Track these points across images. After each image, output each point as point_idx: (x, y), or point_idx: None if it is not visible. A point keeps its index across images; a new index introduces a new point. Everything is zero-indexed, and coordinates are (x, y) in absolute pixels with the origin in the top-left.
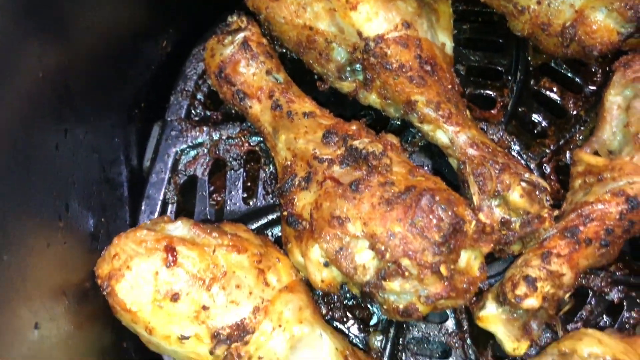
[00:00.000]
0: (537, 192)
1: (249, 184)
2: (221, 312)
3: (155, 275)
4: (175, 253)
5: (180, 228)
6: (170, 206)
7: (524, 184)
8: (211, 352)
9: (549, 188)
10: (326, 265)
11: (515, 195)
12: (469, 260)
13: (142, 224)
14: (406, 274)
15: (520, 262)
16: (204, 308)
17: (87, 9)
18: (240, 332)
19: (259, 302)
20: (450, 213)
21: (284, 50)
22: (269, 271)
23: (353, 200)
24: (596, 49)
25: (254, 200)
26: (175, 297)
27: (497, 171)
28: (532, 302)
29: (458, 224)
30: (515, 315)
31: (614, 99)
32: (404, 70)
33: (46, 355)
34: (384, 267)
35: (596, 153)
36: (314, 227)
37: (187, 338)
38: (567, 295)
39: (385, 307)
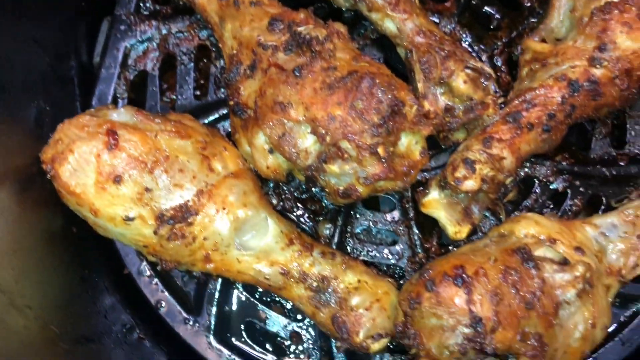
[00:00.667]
0: (482, 79)
1: (200, 80)
2: (164, 194)
3: (97, 158)
4: (116, 136)
5: (123, 114)
6: (121, 102)
7: (468, 71)
8: (155, 232)
9: (493, 74)
10: (271, 151)
11: (459, 82)
12: (410, 144)
13: (87, 111)
14: (345, 156)
15: (462, 147)
16: (147, 190)
17: None
18: (184, 213)
19: (202, 185)
20: (389, 96)
21: None
22: (214, 158)
23: (296, 85)
24: None
25: (206, 96)
26: (117, 179)
27: (442, 58)
28: (470, 184)
29: (397, 106)
30: (456, 199)
31: None
32: None
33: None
34: (325, 150)
35: (545, 41)
36: (258, 114)
37: (132, 219)
38: (509, 180)
39: (327, 190)
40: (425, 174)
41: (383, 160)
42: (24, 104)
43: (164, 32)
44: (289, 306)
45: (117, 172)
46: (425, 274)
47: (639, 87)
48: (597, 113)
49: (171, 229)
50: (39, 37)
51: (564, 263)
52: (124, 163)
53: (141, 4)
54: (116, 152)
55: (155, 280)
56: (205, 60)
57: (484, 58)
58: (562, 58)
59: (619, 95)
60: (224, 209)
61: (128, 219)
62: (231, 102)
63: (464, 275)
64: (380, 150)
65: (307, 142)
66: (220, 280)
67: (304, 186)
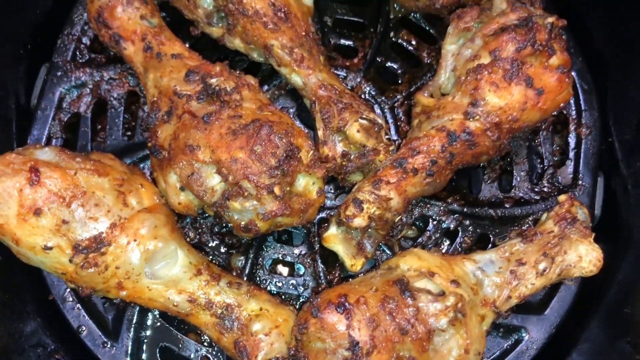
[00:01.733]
0: (375, 129)
1: (130, 122)
2: (80, 226)
3: (20, 192)
4: (38, 173)
5: (47, 153)
6: (54, 141)
7: (362, 121)
8: (70, 260)
9: (384, 125)
10: (182, 189)
11: (353, 130)
12: (307, 185)
13: (15, 150)
14: (246, 194)
15: (355, 188)
16: (64, 222)
17: None
18: (98, 244)
19: (116, 219)
20: (285, 141)
21: None
22: (130, 194)
23: (204, 130)
24: (439, 2)
25: (134, 136)
26: (38, 212)
27: (340, 110)
28: (358, 221)
29: (292, 151)
30: (351, 234)
31: (449, 47)
32: (258, 16)
33: None
34: (229, 189)
35: (432, 95)
36: (171, 155)
37: (50, 249)
38: (398, 218)
39: (231, 224)
40: (330, 212)
41: (279, 198)
42: None
43: (97, 78)
44: (202, 336)
45: (38, 205)
46: (313, 301)
47: (508, 138)
48: (477, 160)
49: (85, 257)
50: None
51: (439, 294)
52: (44, 197)
53: (77, 52)
54: (37, 188)
55: (78, 305)
56: (135, 105)
57: (386, 108)
58: (443, 111)
59: (492, 145)
60: (135, 240)
61: (47, 248)
62: (149, 144)
63: (346, 304)
64: (276, 189)
65: (213, 181)
66: (138, 308)
67: (218, 221)
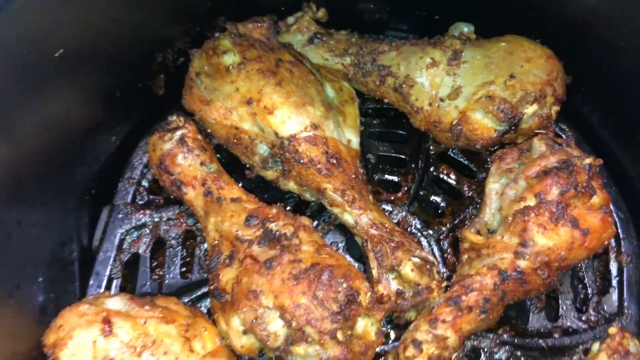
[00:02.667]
0: (427, 266)
1: (187, 259)
2: None
3: (93, 344)
4: (111, 324)
5: (117, 302)
6: (115, 281)
7: (415, 259)
8: None
9: (436, 262)
10: (245, 333)
11: (407, 269)
12: (366, 326)
13: (85, 299)
14: (309, 339)
15: (412, 327)
16: None
17: (36, 108)
18: None
19: None
20: (345, 286)
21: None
22: (195, 339)
23: (267, 276)
24: (479, 143)
25: (191, 274)
26: None
27: (392, 248)
28: None
29: (352, 295)
30: None
31: (492, 186)
32: (313, 163)
33: None
34: (292, 334)
35: (479, 232)
36: (234, 299)
37: None
38: (454, 356)
39: None
40: (384, 347)
41: (342, 343)
42: (34, 295)
43: (156, 219)
44: None
45: (111, 356)
46: None
47: (558, 275)
48: (527, 295)
49: None
50: (48, 228)
51: None
52: (116, 348)
53: (137, 195)
54: (110, 338)
55: None
56: (191, 241)
57: (432, 242)
58: (493, 250)
59: (542, 282)
60: None
61: None
62: (211, 287)
63: None
64: (339, 334)
65: (276, 326)
66: None
67: None
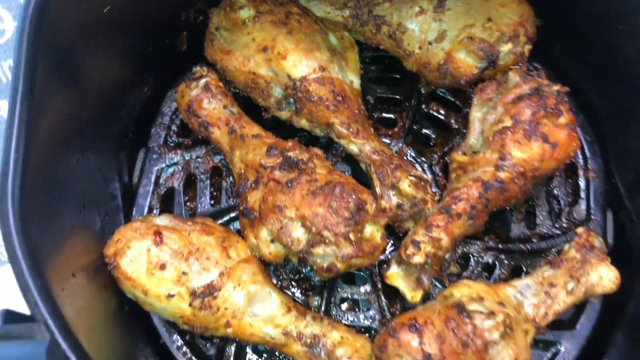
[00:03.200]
0: (422, 183)
1: (214, 192)
2: (196, 276)
3: (147, 252)
4: (161, 236)
5: (164, 219)
6: (155, 210)
7: (411, 177)
8: (190, 304)
9: (430, 179)
10: (272, 241)
11: (405, 185)
12: (373, 231)
13: (136, 218)
14: (327, 241)
15: (411, 232)
16: (184, 274)
17: (95, 68)
18: (211, 290)
19: (223, 269)
20: (355, 197)
21: (237, 90)
22: (231, 249)
23: (289, 193)
24: (463, 79)
25: (219, 204)
26: (162, 267)
27: (392, 170)
28: (417, 259)
29: (361, 204)
30: (410, 271)
31: (475, 114)
32: (322, 101)
33: (80, 305)
34: (312, 238)
35: (465, 154)
36: (261, 215)
37: (173, 296)
38: (448, 255)
39: (315, 267)
40: (388, 255)
41: (354, 243)
42: (94, 216)
43: (187, 157)
44: None
45: (162, 261)
46: (389, 325)
47: (532, 183)
48: (507, 203)
49: (202, 302)
50: (99, 165)
51: (490, 313)
52: (167, 255)
53: (168, 138)
54: (161, 247)
55: (184, 348)
56: (217, 177)
57: (425, 167)
58: (477, 166)
59: (519, 189)
60: (239, 285)
61: (170, 296)
62: (241, 208)
63: (416, 324)
64: (351, 236)
65: (299, 233)
66: (234, 345)
67: (297, 269)
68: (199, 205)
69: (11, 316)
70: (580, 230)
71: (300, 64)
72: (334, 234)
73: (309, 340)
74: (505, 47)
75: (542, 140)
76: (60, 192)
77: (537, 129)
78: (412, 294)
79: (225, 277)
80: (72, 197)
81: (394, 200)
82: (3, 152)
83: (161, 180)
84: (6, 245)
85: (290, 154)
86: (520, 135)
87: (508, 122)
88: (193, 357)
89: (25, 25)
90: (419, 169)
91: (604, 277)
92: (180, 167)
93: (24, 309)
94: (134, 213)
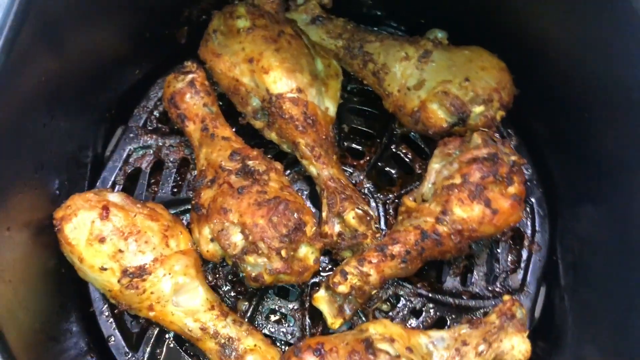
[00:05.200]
0: (367, 218)
1: (179, 181)
2: (131, 256)
3: (91, 223)
4: (108, 211)
5: (116, 197)
6: (117, 187)
7: (358, 211)
8: (118, 281)
9: (375, 216)
10: (212, 240)
11: (350, 217)
12: (307, 253)
13: (92, 190)
14: (260, 252)
15: (344, 262)
16: (120, 251)
17: (87, 41)
18: (141, 272)
19: (158, 255)
20: (296, 217)
21: (222, 91)
22: (172, 238)
23: (237, 199)
24: (431, 130)
25: (180, 193)
26: (102, 240)
27: (342, 199)
28: (342, 288)
29: (300, 225)
30: (335, 298)
31: (434, 165)
32: (292, 120)
33: (5, 257)
34: (247, 246)
35: (415, 200)
36: (208, 213)
37: (105, 269)
38: (374, 292)
39: (245, 274)
40: (322, 278)
41: (284, 259)
42: (52, 178)
43: (160, 143)
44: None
45: (103, 235)
46: (297, 345)
47: (468, 243)
48: (442, 256)
49: (130, 281)
50: (72, 132)
51: (396, 356)
52: (108, 230)
53: (148, 121)
54: (105, 222)
55: (111, 320)
56: (184, 168)
57: (379, 204)
58: (421, 214)
59: (454, 246)
60: (169, 274)
61: (103, 269)
62: (193, 202)
63: (321, 350)
64: (283, 252)
65: (237, 238)
66: (157, 329)
67: (235, 271)
68: (161, 191)
69: None
70: (506, 297)
71: (280, 81)
72: (268, 247)
73: (222, 341)
74: (477, 109)
75: (484, 205)
76: (18, 149)
77: (482, 192)
78: (333, 320)
79: (158, 263)
80: (30, 156)
81: (337, 228)
82: None
83: (131, 160)
84: None
85: (250, 162)
86: (465, 194)
87: (457, 180)
88: (116, 330)
89: None
90: (372, 204)
91: (516, 347)
92: (152, 151)
93: None
94: (98, 184)
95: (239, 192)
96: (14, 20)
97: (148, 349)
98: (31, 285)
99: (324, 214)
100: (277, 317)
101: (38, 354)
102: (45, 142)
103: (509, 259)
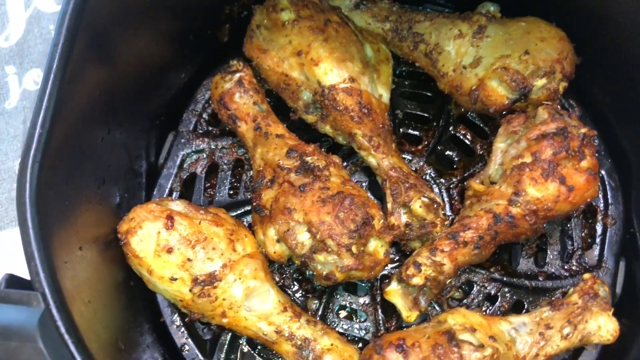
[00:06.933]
0: (434, 206)
1: (235, 183)
2: (200, 264)
3: (157, 234)
4: (173, 220)
5: (178, 205)
6: (174, 193)
7: (424, 199)
8: (190, 290)
9: (442, 203)
10: (278, 241)
11: (417, 206)
12: (377, 247)
13: (153, 200)
14: (329, 250)
15: (415, 253)
16: (189, 260)
17: (134, 50)
18: (212, 279)
19: (227, 261)
20: (363, 211)
21: (270, 89)
22: (238, 242)
23: (300, 197)
24: (492, 108)
25: (237, 195)
26: (169, 250)
27: (406, 188)
28: (416, 280)
29: (368, 219)
30: (408, 291)
31: (499, 145)
32: (347, 111)
33: (82, 278)
34: (315, 244)
35: (483, 183)
36: (272, 214)
37: (175, 280)
38: (449, 281)
39: (314, 273)
40: (391, 269)
41: (355, 256)
42: (113, 191)
43: (213, 146)
44: None
45: (170, 245)
46: (377, 342)
47: (543, 223)
48: (516, 239)
49: (202, 289)
50: (127, 143)
51: (479, 346)
52: (175, 240)
53: (198, 125)
54: (171, 232)
55: (182, 329)
56: (239, 169)
57: (442, 189)
58: (491, 197)
59: (529, 227)
60: (240, 279)
61: (173, 279)
62: (254, 203)
63: (403, 345)
64: (353, 248)
65: (304, 237)
66: (230, 334)
67: (301, 270)
68: (218, 194)
69: (14, 281)
70: (587, 275)
71: (331, 72)
72: (337, 244)
73: (299, 342)
74: (539, 82)
75: (559, 182)
76: (81, 167)
77: (555, 169)
78: (408, 314)
79: (227, 269)
80: (93, 172)
81: (404, 218)
82: (30, 126)
83: (185, 165)
84: (19, 215)
85: (309, 158)
86: (537, 173)
87: (528, 159)
88: (189, 339)
89: (69, 3)
90: (436, 190)
91: (603, 327)
92: (205, 155)
93: (26, 274)
94: (155, 192)
95: (301, 190)
96: (66, 35)
97: (222, 355)
98: (106, 301)
99: (389, 205)
100: (349, 314)
101: None
102: (104, 155)
103: (583, 235)
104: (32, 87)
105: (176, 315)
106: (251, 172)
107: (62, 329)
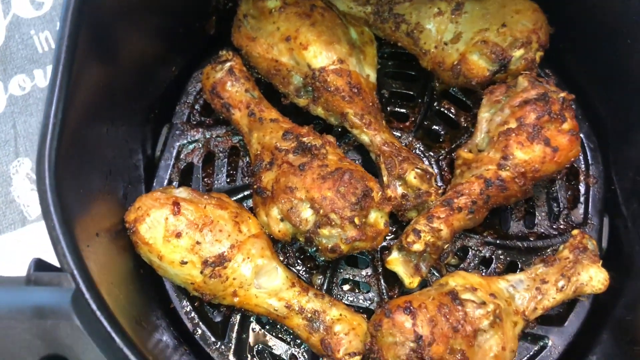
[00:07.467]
0: (427, 176)
1: (231, 170)
2: (209, 246)
3: (165, 220)
4: (179, 206)
5: (182, 192)
6: (174, 184)
7: (417, 170)
8: (201, 272)
9: (435, 173)
10: (282, 220)
11: (411, 177)
12: (377, 217)
13: (157, 189)
14: (333, 223)
15: (413, 222)
16: (197, 243)
17: (131, 45)
18: (221, 260)
19: (234, 241)
20: (362, 184)
21: (259, 76)
22: (242, 224)
23: (300, 176)
24: (474, 80)
25: (234, 182)
26: (178, 235)
27: (400, 161)
28: (417, 247)
29: (367, 191)
30: (409, 258)
31: (483, 115)
32: (338, 91)
33: (102, 261)
34: (319, 219)
35: (471, 151)
36: (274, 195)
37: (186, 263)
38: (446, 246)
39: (320, 247)
40: (390, 241)
41: (358, 227)
42: (118, 183)
43: (207, 136)
44: (289, 338)
45: (179, 230)
46: (385, 306)
47: (531, 184)
48: (507, 202)
49: (212, 270)
50: (127, 136)
51: (481, 303)
52: (183, 224)
53: (191, 116)
54: (178, 217)
55: (193, 314)
56: (235, 157)
57: (432, 162)
58: (481, 163)
59: (519, 189)
60: (248, 258)
61: (183, 263)
62: (255, 186)
63: (411, 307)
64: (356, 220)
65: (307, 214)
66: (239, 315)
67: (303, 248)
68: (216, 182)
69: (41, 265)
70: (575, 232)
71: (320, 55)
72: (340, 217)
73: (309, 315)
74: (518, 53)
75: (544, 144)
76: (90, 157)
77: (540, 132)
78: (410, 280)
79: (235, 250)
80: (100, 164)
81: (400, 190)
82: (43, 117)
83: (182, 156)
84: (41, 201)
85: (305, 139)
86: (523, 137)
87: (513, 124)
88: (200, 322)
89: (71, 1)
90: (426, 162)
91: (594, 277)
92: (200, 145)
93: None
94: (154, 184)
95: (301, 169)
96: (71, 29)
97: (234, 335)
98: (119, 286)
99: (384, 179)
100: (352, 287)
101: (142, 342)
102: (109, 148)
103: (567, 196)
104: (18, 92)
105: (185, 301)
106: (247, 158)
107: (94, 306)
